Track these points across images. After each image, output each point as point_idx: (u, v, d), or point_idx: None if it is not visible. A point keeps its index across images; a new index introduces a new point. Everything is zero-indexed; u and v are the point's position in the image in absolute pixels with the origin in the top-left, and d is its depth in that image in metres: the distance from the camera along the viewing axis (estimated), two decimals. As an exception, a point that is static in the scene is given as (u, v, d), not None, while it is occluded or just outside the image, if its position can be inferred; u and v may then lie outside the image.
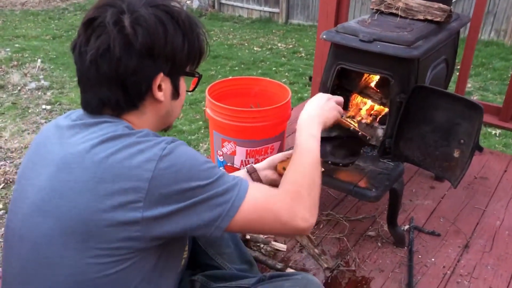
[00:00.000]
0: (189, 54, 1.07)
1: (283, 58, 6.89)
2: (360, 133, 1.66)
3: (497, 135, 4.33)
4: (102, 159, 0.93)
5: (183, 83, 1.14)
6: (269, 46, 7.46)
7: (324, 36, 1.91)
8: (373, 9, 2.14)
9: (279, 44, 7.57)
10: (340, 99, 1.46)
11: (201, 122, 4.50)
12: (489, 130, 4.32)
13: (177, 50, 1.03)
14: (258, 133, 2.09)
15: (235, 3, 9.47)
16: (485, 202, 2.29)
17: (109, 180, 0.92)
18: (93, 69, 0.99)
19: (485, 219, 2.18)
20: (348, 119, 2.00)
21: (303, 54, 7.05)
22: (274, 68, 6.39)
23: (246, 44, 7.63)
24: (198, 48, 1.09)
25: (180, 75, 1.10)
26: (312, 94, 3.27)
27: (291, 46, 7.49)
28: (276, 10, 8.90)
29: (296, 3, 8.68)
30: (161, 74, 1.03)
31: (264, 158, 2.17)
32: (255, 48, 7.35)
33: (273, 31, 8.39)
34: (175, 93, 1.11)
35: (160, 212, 0.93)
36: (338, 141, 1.81)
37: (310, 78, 3.10)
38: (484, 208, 2.25)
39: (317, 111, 1.34)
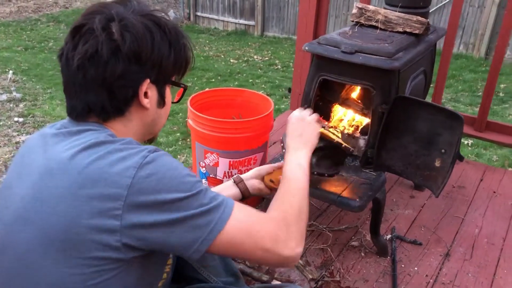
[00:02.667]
0: (175, 62, 1.08)
1: (259, 70, 6.93)
2: (343, 145, 1.68)
3: (469, 145, 4.44)
4: (84, 166, 0.92)
5: (169, 93, 1.15)
6: (245, 58, 7.50)
7: (307, 48, 1.92)
8: (352, 21, 2.17)
9: (255, 56, 7.62)
10: (316, 116, 1.52)
11: (178, 134, 4.47)
12: (462, 140, 4.42)
13: (164, 58, 1.05)
14: (241, 144, 2.08)
15: (210, 16, 9.51)
16: (464, 211, 2.34)
17: (89, 186, 0.90)
18: (80, 74, 0.99)
19: (464, 227, 2.22)
20: (331, 130, 2.02)
21: (279, 66, 7.11)
22: (250, 80, 6.42)
23: (222, 56, 7.65)
24: (184, 57, 1.11)
25: (166, 84, 1.11)
26: (292, 105, 3.29)
27: (267, 58, 7.54)
28: (251, 22, 8.97)
29: (271, 16, 8.77)
30: (148, 81, 1.04)
31: (247, 169, 2.16)
32: (231, 60, 7.38)
33: (249, 43, 8.44)
34: (161, 101, 1.11)
35: (138, 221, 0.91)
36: (321, 152, 1.82)
37: (289, 90, 3.12)
38: (463, 216, 2.29)
39: (304, 138, 1.36)
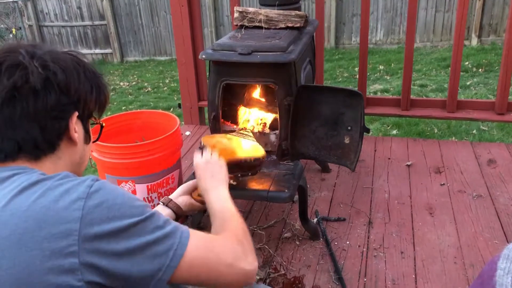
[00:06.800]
0: (96, 98, 1.08)
1: (130, 96, 6.75)
2: (249, 159, 1.71)
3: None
4: (24, 209, 0.84)
5: (90, 130, 1.12)
6: (112, 87, 7.24)
7: (204, 56, 1.93)
8: (237, 25, 2.24)
9: (121, 83, 7.40)
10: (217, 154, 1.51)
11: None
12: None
13: (88, 93, 1.04)
14: (156, 166, 2.01)
15: (62, 50, 8.99)
16: (370, 181, 2.54)
17: (35, 229, 0.82)
18: (8, 109, 0.92)
19: (375, 195, 2.41)
20: (242, 132, 2.05)
21: (149, 89, 6.99)
22: (124, 107, 6.22)
23: (86, 89, 7.28)
24: (103, 94, 1.11)
25: (89, 119, 1.09)
26: (185, 120, 3.26)
27: (134, 83, 7.37)
28: (108, 50, 8.69)
29: (128, 40, 8.59)
30: (76, 114, 1.01)
31: (167, 190, 2.10)
32: (97, 92, 7.06)
33: (111, 71, 8.18)
34: (87, 137, 1.09)
35: (98, 254, 0.85)
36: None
37: (180, 105, 3.11)
38: (371, 186, 2.49)
39: (216, 177, 1.38)
